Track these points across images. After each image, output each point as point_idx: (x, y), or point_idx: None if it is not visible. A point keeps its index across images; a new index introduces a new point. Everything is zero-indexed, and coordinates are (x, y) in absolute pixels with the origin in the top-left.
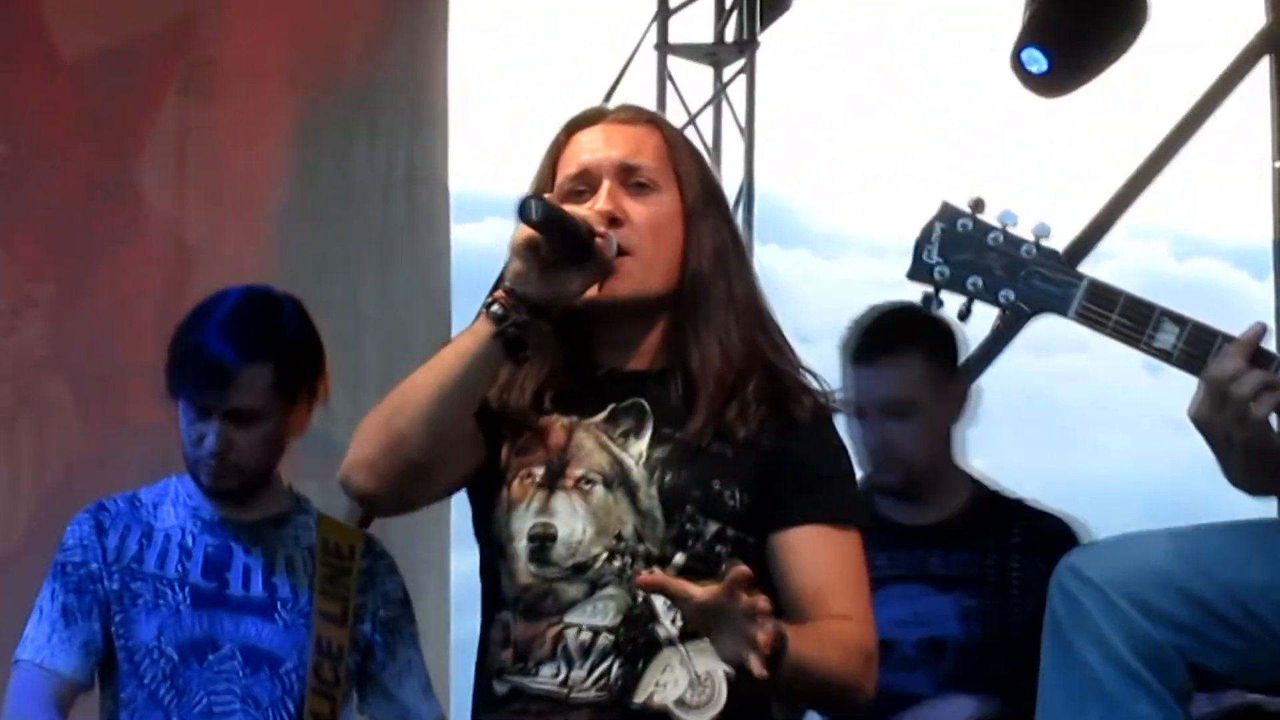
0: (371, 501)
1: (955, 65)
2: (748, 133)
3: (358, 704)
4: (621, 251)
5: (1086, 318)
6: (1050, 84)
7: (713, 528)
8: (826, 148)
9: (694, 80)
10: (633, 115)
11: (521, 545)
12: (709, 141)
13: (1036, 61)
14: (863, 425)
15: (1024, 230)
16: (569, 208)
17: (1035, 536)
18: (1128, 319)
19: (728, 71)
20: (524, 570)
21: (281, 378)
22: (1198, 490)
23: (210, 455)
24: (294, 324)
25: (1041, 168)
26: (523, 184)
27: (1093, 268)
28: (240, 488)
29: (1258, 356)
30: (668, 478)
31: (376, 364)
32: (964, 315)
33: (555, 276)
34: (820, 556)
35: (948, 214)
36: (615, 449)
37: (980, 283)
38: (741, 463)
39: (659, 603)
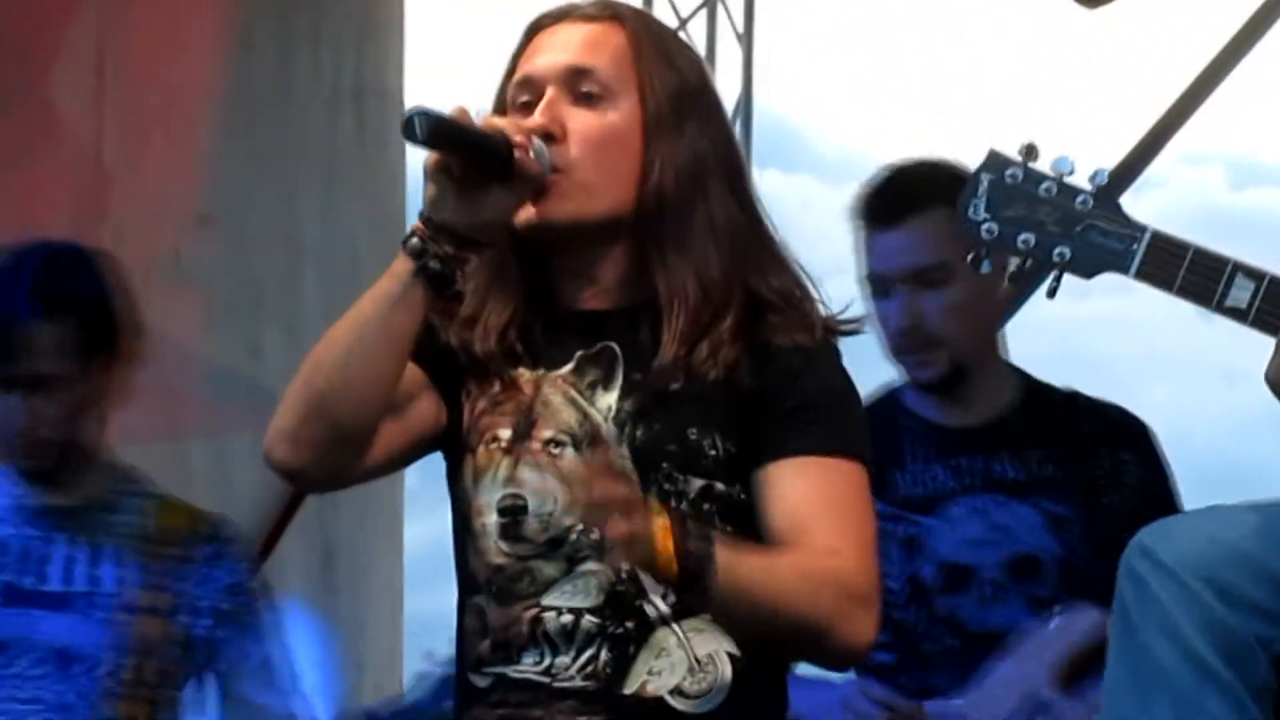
0: (297, 476)
1: None
2: (745, 41)
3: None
4: (555, 170)
5: (1151, 276)
6: None
7: (696, 484)
8: (834, 59)
9: None
10: (597, 11)
11: (491, 521)
12: (701, 52)
13: None
14: (888, 303)
15: (1080, 179)
16: (488, 119)
17: (1111, 427)
18: (1197, 276)
19: None
20: (494, 549)
21: (82, 338)
22: (1254, 449)
23: (17, 432)
24: (92, 279)
25: (1079, 86)
26: (484, 93)
27: (1140, 197)
28: (57, 466)
29: None
30: (639, 432)
31: (319, 301)
32: (1015, 278)
33: (475, 199)
34: (802, 487)
35: (995, 164)
36: (583, 403)
37: (1033, 240)
38: (718, 405)
39: (647, 578)
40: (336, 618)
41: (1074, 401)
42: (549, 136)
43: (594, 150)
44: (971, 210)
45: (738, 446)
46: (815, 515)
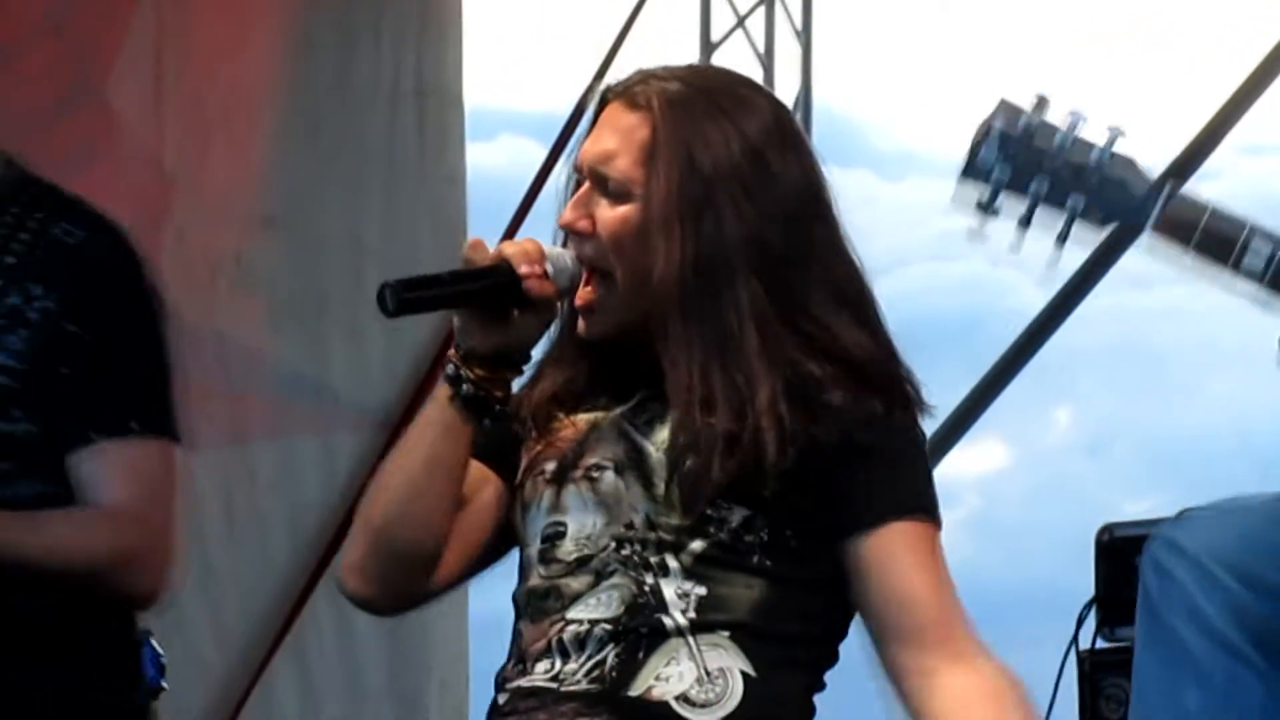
0: (370, 606)
1: None
2: (804, 38)
3: None
4: (598, 267)
5: (1164, 232)
6: None
7: (740, 514)
8: (894, 55)
9: None
10: (639, 98)
11: (535, 549)
12: (760, 48)
13: None
14: None
15: (1095, 134)
16: (497, 249)
17: None
18: (1214, 236)
19: None
20: (535, 574)
21: None
22: None
23: None
24: None
25: (1138, 79)
26: (541, 96)
27: (1195, 187)
28: None
29: None
30: (688, 462)
31: None
32: (1025, 222)
33: (498, 327)
34: (902, 567)
35: (1007, 112)
36: (635, 435)
37: (1045, 187)
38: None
39: (669, 590)
40: (402, 618)
41: None
42: (579, 235)
43: (614, 243)
44: (983, 155)
45: (788, 492)
46: (931, 602)
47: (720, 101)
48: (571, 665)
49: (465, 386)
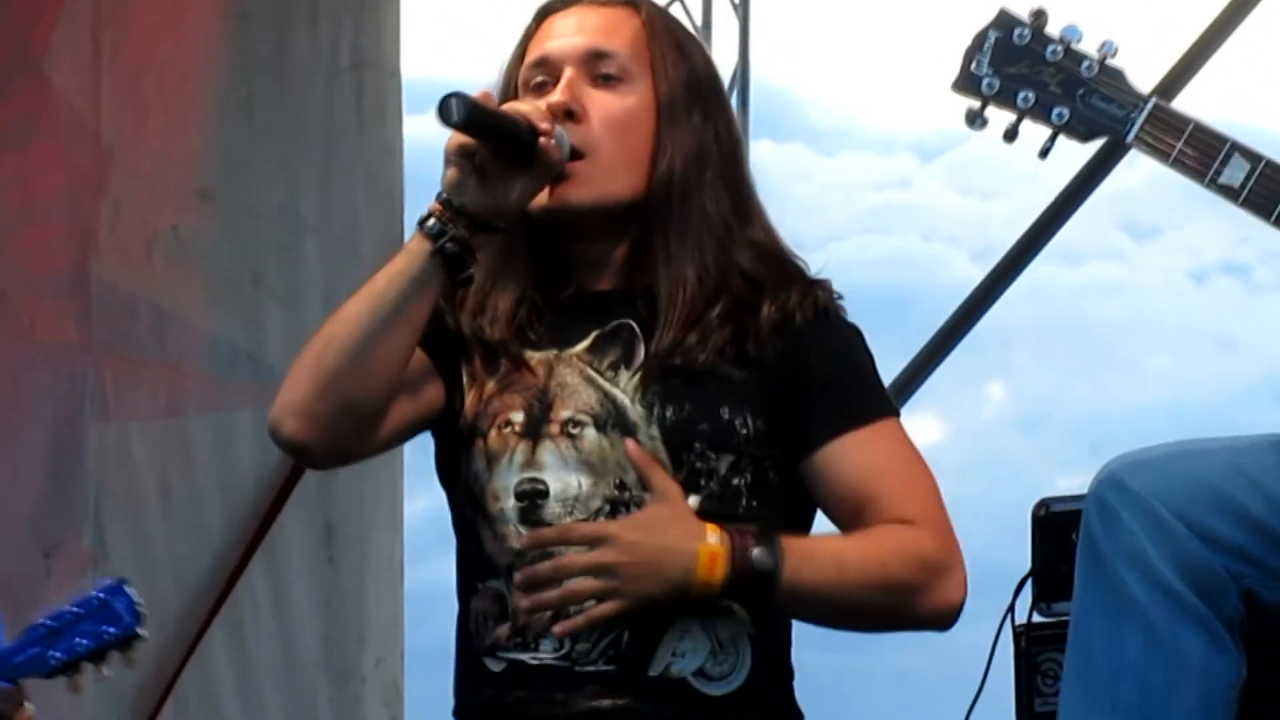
0: (304, 452)
1: None
2: (742, 10)
3: None
4: (576, 153)
5: (1147, 144)
6: None
7: (727, 460)
8: (831, 28)
9: None
10: None
11: (509, 505)
12: (698, 21)
13: None
14: None
15: (1090, 48)
16: (512, 105)
17: None
18: (1194, 150)
19: None
20: (514, 533)
21: None
22: (1247, 417)
23: None
24: None
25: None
26: (479, 68)
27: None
28: None
29: None
30: (668, 412)
31: (319, 275)
32: (1010, 135)
33: (496, 183)
34: (854, 465)
35: (1004, 22)
36: (603, 383)
37: (1032, 98)
38: (746, 383)
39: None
40: (338, 591)
41: None
42: (570, 115)
43: (614, 132)
44: (975, 65)
45: (767, 425)
46: (875, 490)
47: (675, 20)
48: (584, 644)
49: (449, 243)
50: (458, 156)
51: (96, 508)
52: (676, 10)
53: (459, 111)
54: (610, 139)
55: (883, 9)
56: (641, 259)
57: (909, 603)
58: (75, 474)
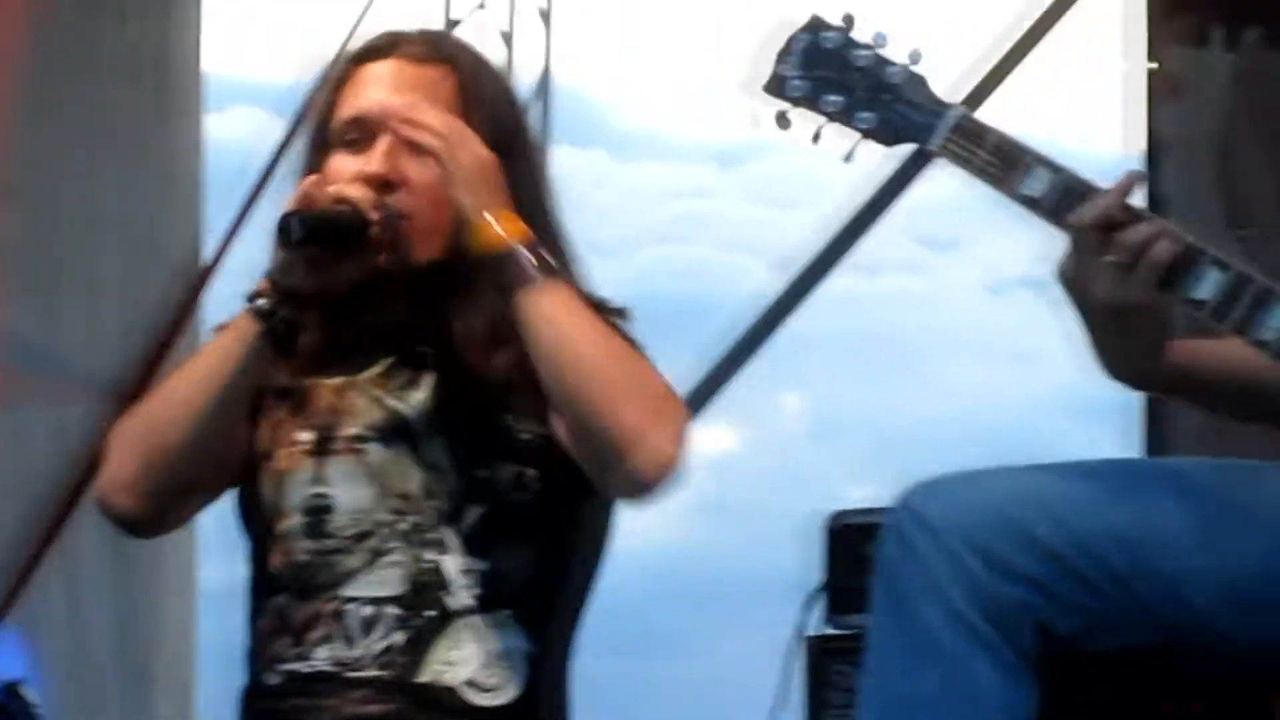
0: (135, 525)
1: None
2: (546, 17)
3: None
4: (396, 217)
5: (950, 152)
6: None
7: (510, 471)
8: (638, 36)
9: None
10: (428, 52)
11: (296, 521)
12: (504, 27)
13: None
14: None
15: (898, 55)
16: (339, 190)
17: None
18: (996, 159)
19: None
20: (298, 548)
21: None
22: (1045, 427)
23: None
24: None
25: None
26: (280, 66)
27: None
28: None
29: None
30: (451, 422)
31: (117, 271)
32: (816, 137)
33: (324, 267)
34: None
35: (814, 26)
36: (391, 401)
37: (839, 103)
38: (528, 393)
39: (451, 567)
40: (130, 590)
41: None
42: (388, 185)
43: (431, 201)
44: (783, 67)
45: (550, 436)
46: None
47: (490, 67)
48: (358, 650)
49: (279, 324)
50: (289, 246)
51: None
52: (481, 17)
53: (299, 230)
54: (428, 207)
55: (688, 18)
56: (439, 294)
57: (634, 424)
58: None
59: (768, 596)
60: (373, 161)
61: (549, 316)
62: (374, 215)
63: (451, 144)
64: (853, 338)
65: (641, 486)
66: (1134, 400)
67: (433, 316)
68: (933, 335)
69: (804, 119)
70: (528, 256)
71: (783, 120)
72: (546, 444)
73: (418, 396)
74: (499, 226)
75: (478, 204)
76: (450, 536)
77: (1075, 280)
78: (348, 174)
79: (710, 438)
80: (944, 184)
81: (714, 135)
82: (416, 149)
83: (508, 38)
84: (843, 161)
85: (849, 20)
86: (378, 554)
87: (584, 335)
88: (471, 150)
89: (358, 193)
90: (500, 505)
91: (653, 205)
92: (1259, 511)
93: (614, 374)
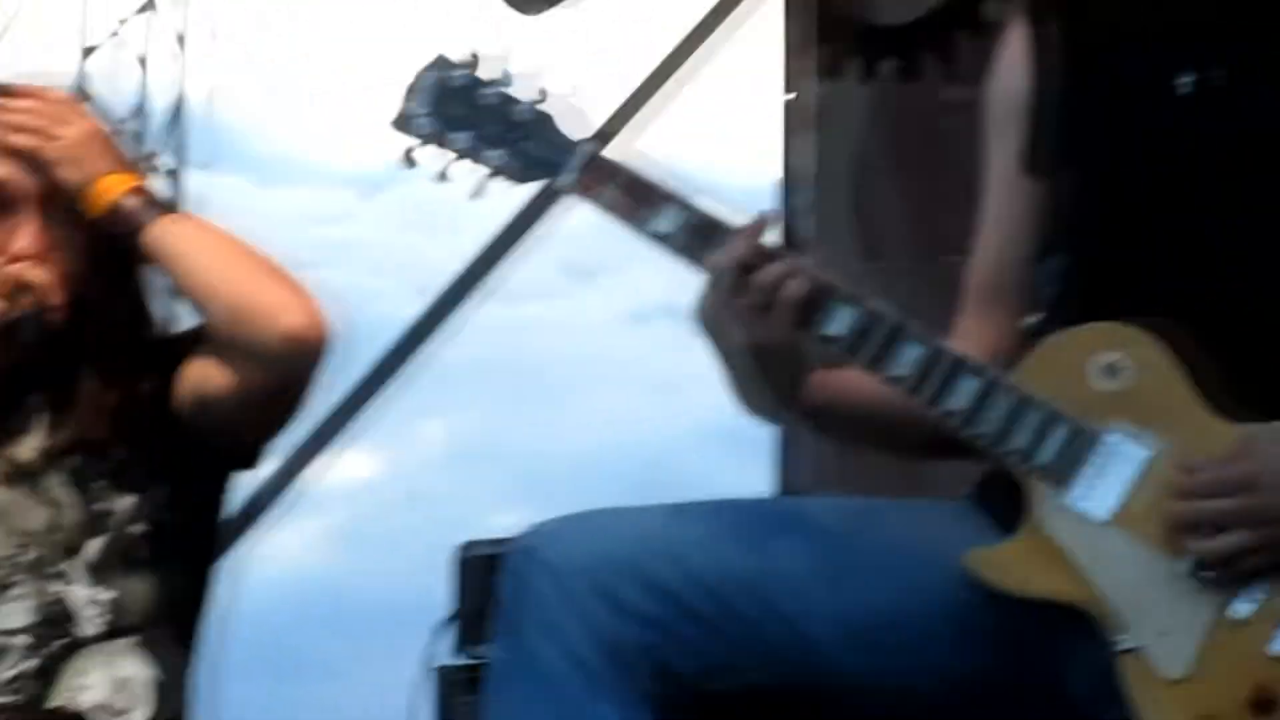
0: None
1: None
2: (183, 42)
3: None
4: (34, 316)
5: (579, 188)
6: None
7: (127, 502)
8: (279, 61)
9: None
10: None
11: None
12: (140, 51)
13: None
14: None
15: (525, 93)
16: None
17: None
18: (626, 194)
19: None
20: None
21: None
22: (687, 462)
23: None
24: None
25: (582, 47)
26: None
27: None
28: None
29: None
30: (69, 459)
31: None
32: (442, 176)
33: None
34: None
35: (439, 65)
36: (11, 449)
37: (467, 141)
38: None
39: (79, 597)
40: None
41: None
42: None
43: (56, 270)
44: (409, 105)
45: (167, 455)
46: None
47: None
48: None
49: None
50: None
51: None
52: (116, 44)
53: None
54: (55, 275)
55: (330, 45)
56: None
57: (270, 299)
58: None
59: (409, 624)
60: (18, 237)
61: (176, 242)
62: (55, 301)
63: (47, 131)
64: (494, 365)
65: (302, 342)
66: (768, 433)
67: (48, 359)
68: (574, 364)
69: (436, 155)
70: (137, 201)
71: (408, 159)
72: (161, 466)
73: (32, 442)
74: (107, 185)
75: (85, 176)
76: (73, 568)
77: (712, 321)
78: None
79: (349, 464)
80: (586, 212)
81: (354, 161)
82: (15, 152)
83: (144, 62)
84: (470, 198)
85: (475, 59)
86: (4, 588)
87: (215, 242)
88: (70, 126)
89: (43, 281)
90: (119, 537)
91: (294, 231)
92: (882, 553)
93: (251, 264)
